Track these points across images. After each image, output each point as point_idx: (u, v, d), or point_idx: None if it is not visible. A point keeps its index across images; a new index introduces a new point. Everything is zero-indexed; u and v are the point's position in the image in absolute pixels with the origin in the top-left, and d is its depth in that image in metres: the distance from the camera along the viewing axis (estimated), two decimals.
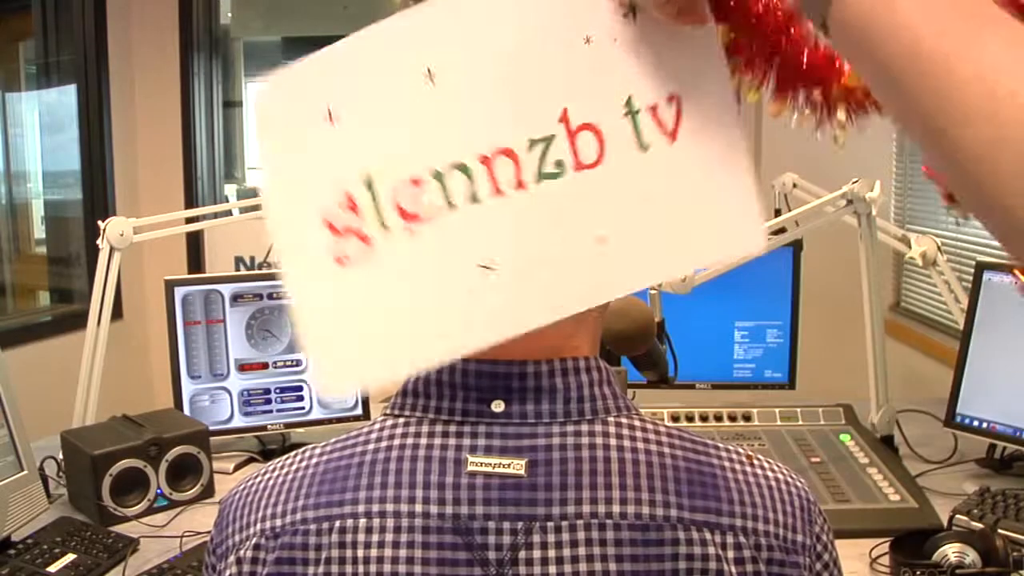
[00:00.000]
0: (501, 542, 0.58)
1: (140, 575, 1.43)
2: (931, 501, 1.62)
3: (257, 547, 0.61)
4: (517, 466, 0.59)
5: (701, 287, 1.54)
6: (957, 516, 1.52)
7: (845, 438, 1.89)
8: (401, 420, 0.63)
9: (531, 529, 0.58)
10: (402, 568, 0.58)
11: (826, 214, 1.82)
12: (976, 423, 1.76)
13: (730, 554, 0.60)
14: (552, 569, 0.57)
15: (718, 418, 2.00)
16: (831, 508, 1.61)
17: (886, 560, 1.40)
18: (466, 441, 0.60)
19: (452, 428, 0.61)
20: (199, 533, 1.57)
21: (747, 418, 2.00)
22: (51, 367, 2.34)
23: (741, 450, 0.66)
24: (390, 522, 0.59)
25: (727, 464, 0.64)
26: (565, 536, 0.58)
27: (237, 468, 1.91)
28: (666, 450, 0.62)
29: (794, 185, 2.30)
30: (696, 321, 1.94)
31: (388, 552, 0.58)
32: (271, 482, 0.64)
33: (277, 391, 2.01)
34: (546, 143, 0.54)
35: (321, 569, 0.59)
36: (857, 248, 1.88)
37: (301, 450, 0.66)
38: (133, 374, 3.07)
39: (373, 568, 0.58)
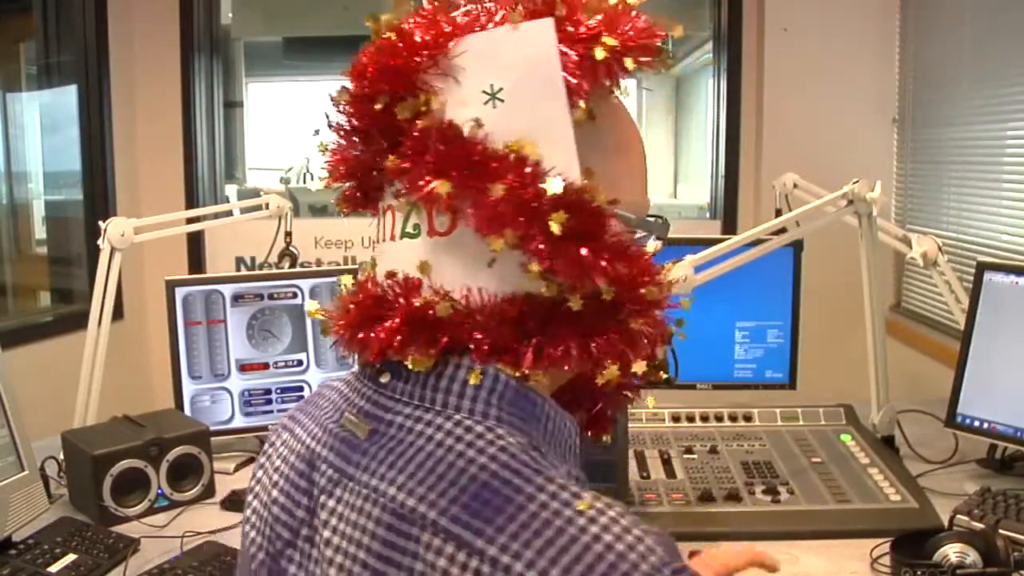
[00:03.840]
0: (324, 485, 0.65)
1: (141, 575, 1.43)
2: (932, 501, 1.62)
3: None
4: (363, 430, 0.64)
5: (702, 287, 1.54)
6: (958, 516, 1.52)
7: (846, 438, 1.89)
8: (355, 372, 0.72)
9: (339, 483, 0.63)
10: (275, 475, 0.70)
11: (827, 214, 1.82)
12: (977, 423, 1.76)
13: None
14: (333, 521, 0.62)
15: (719, 418, 2.00)
16: (832, 508, 1.61)
17: (887, 560, 1.40)
18: (355, 398, 0.68)
19: (358, 385, 0.68)
20: (200, 533, 1.57)
21: (748, 418, 2.00)
22: (52, 367, 2.34)
23: (600, 504, 0.57)
24: (287, 436, 0.72)
25: (543, 498, 0.56)
26: (354, 500, 0.62)
27: (238, 468, 1.91)
28: (477, 458, 0.59)
29: (795, 185, 2.30)
30: (697, 321, 1.93)
31: (277, 460, 0.71)
32: None
33: (278, 391, 2.01)
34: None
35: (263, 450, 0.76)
36: (858, 248, 1.88)
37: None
38: (134, 374, 3.07)
39: (267, 463, 0.72)
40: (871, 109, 3.09)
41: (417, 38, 0.63)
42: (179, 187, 3.37)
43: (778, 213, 2.31)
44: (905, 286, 3.01)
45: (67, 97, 3.16)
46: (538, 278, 0.61)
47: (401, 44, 0.63)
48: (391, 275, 0.66)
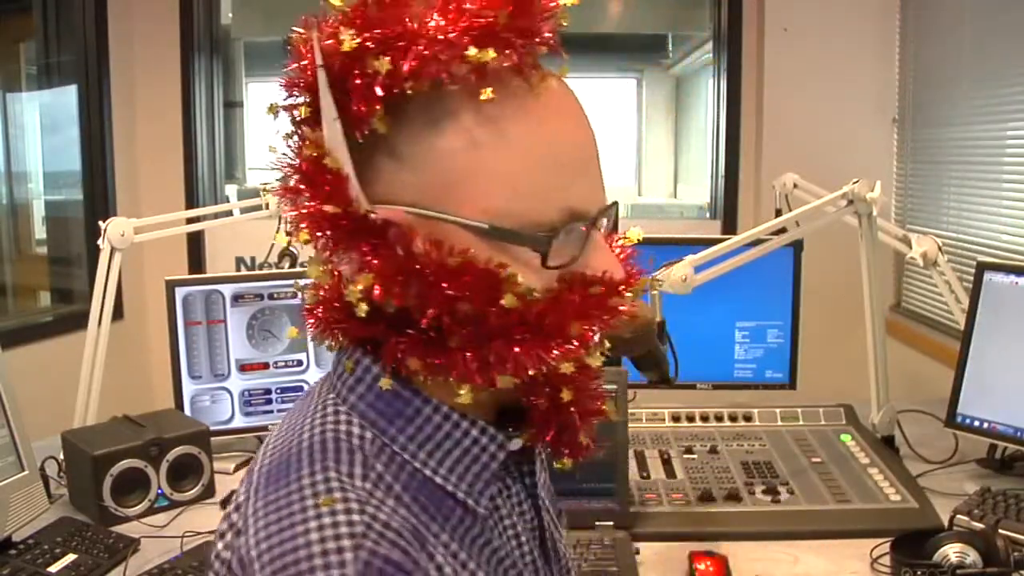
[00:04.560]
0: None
1: (140, 575, 1.43)
2: (932, 501, 1.62)
3: None
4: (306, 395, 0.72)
5: (702, 287, 1.54)
6: (958, 516, 1.53)
7: (846, 438, 1.89)
8: None
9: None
10: None
11: (827, 214, 1.82)
12: (977, 423, 1.76)
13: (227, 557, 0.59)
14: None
15: (719, 418, 2.00)
16: (832, 508, 1.61)
17: (887, 560, 1.40)
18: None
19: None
20: (200, 533, 1.57)
21: (748, 418, 2.00)
22: (52, 367, 2.34)
23: (339, 507, 0.56)
24: None
25: (304, 483, 0.58)
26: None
27: (238, 468, 1.91)
28: (304, 433, 0.63)
29: (795, 185, 2.31)
30: (697, 321, 1.94)
31: None
32: None
33: (278, 391, 2.01)
34: None
35: None
36: (858, 248, 1.88)
37: None
38: (134, 374, 3.07)
39: None
40: (871, 109, 3.09)
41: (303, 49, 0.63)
42: (179, 187, 3.37)
43: (778, 213, 2.31)
44: (905, 286, 3.01)
45: (67, 97, 3.16)
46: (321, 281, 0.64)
47: (298, 56, 0.64)
48: None
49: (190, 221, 2.44)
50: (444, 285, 0.58)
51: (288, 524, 0.55)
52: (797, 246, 1.97)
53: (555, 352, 0.60)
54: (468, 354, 0.60)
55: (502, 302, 0.58)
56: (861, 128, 3.09)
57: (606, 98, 5.22)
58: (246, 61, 3.97)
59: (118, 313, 2.29)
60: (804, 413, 2.00)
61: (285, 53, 0.66)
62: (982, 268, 1.79)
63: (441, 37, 0.57)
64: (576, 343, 0.61)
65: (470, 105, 0.59)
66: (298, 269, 2.28)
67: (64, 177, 3.27)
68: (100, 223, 1.91)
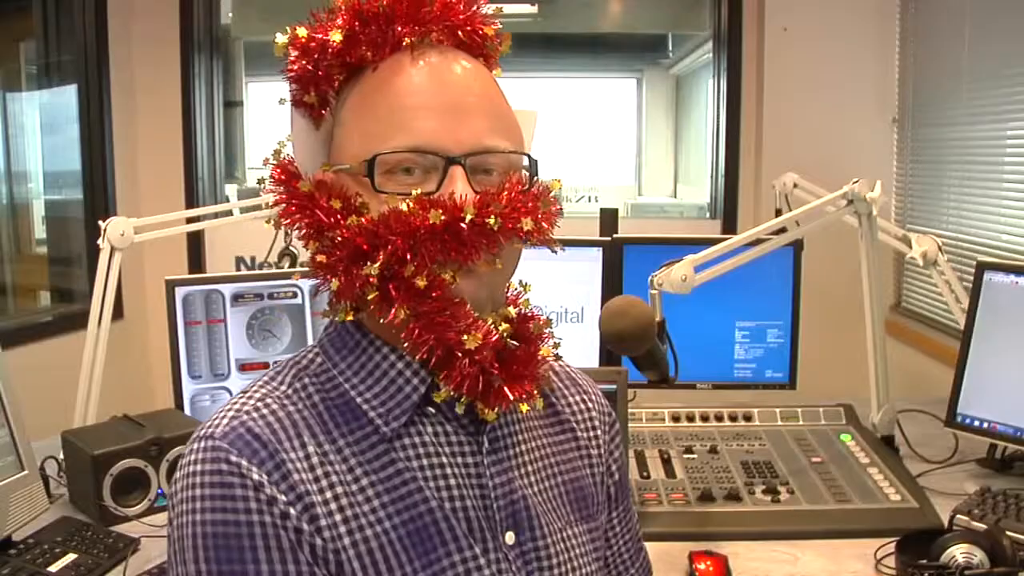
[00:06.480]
0: None
1: (141, 575, 1.43)
2: (932, 501, 1.62)
3: None
4: None
5: (702, 287, 1.54)
6: (958, 516, 1.52)
7: (846, 438, 1.89)
8: None
9: None
10: None
11: (827, 214, 1.82)
12: (977, 423, 1.76)
13: None
14: None
15: (719, 418, 2.00)
16: (832, 508, 1.61)
17: (890, 561, 1.40)
18: None
19: None
20: None
21: (748, 418, 2.00)
22: (51, 367, 2.34)
23: (244, 396, 0.75)
24: None
25: (250, 386, 0.78)
26: None
27: None
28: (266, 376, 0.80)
29: (795, 185, 2.31)
30: (697, 321, 1.94)
31: None
32: None
33: None
34: None
35: None
36: (858, 248, 1.88)
37: None
38: (134, 374, 3.07)
39: None
40: (871, 109, 3.09)
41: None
42: (179, 187, 3.37)
43: (778, 213, 2.31)
44: (905, 286, 3.01)
45: (67, 97, 3.16)
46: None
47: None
48: None
49: (190, 221, 2.44)
50: (317, 212, 0.72)
51: (218, 409, 0.75)
52: (797, 246, 1.97)
53: (364, 266, 0.70)
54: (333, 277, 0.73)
55: (348, 221, 0.71)
56: (861, 128, 3.09)
57: (606, 98, 5.22)
58: (246, 61, 3.97)
59: (118, 313, 2.29)
60: (804, 413, 2.00)
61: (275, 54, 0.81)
62: (982, 268, 1.79)
63: (319, 32, 0.77)
64: (380, 258, 0.69)
65: (360, 80, 0.76)
66: (298, 269, 2.29)
67: (64, 177, 3.27)
68: (100, 223, 1.91)
